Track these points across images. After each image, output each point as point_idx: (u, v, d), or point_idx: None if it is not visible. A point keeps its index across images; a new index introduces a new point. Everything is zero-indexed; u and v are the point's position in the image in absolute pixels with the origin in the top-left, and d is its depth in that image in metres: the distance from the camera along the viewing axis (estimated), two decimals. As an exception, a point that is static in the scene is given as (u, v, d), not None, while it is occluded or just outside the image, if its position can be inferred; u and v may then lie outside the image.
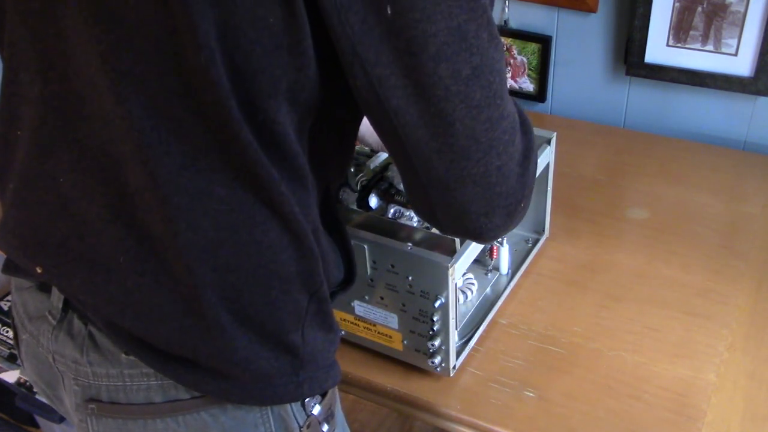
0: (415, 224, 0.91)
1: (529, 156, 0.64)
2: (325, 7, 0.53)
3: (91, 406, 0.70)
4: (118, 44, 0.56)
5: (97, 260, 0.65)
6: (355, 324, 0.96)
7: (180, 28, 0.54)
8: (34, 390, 1.62)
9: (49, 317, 0.73)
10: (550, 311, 1.03)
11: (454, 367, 0.93)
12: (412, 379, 0.95)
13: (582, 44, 1.44)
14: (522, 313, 1.03)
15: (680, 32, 1.32)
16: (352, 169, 1.01)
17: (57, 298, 0.72)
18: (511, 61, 1.51)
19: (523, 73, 1.52)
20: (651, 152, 1.37)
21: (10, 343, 1.71)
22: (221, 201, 0.60)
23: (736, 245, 1.13)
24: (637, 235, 1.16)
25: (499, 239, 1.00)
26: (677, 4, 1.30)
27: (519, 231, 1.14)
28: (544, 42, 1.46)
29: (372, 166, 1.02)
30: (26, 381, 1.66)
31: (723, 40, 1.30)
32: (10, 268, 0.75)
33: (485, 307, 1.02)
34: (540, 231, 1.14)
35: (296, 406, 0.71)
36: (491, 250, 1.06)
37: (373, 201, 0.96)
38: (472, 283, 1.03)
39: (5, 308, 1.78)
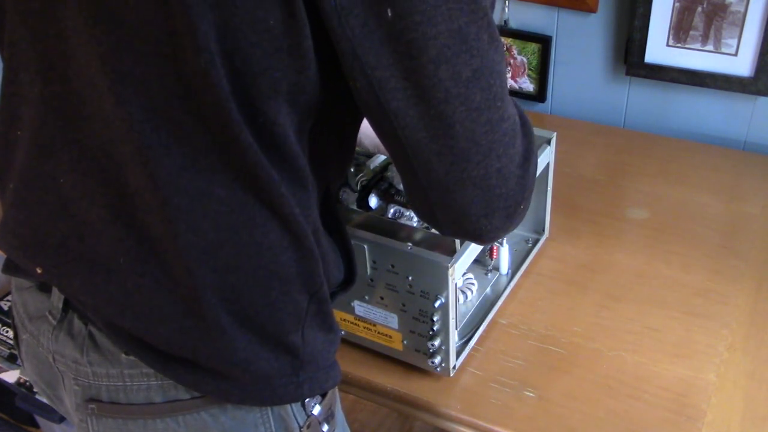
0: (415, 224, 0.91)
1: (529, 158, 0.64)
2: (325, 10, 0.53)
3: (91, 406, 0.70)
4: (118, 46, 0.56)
5: (97, 261, 0.65)
6: (355, 324, 0.96)
7: (180, 30, 0.54)
8: (34, 390, 1.62)
9: (50, 317, 0.73)
10: (550, 311, 1.03)
11: (454, 367, 0.93)
12: (412, 379, 0.95)
13: (582, 44, 1.44)
14: (522, 313, 1.03)
15: (680, 32, 1.32)
16: (352, 169, 1.01)
17: (57, 298, 0.72)
18: (511, 61, 1.51)
19: (523, 73, 1.52)
20: (651, 152, 1.37)
21: (10, 343, 1.71)
22: (221, 202, 0.60)
23: (736, 245, 1.13)
24: (637, 235, 1.16)
25: (499, 240, 1.00)
26: (677, 4, 1.30)
27: (519, 231, 1.14)
28: (544, 42, 1.46)
29: (372, 166, 1.02)
30: (26, 381, 1.66)
31: (723, 40, 1.30)
32: (11, 268, 0.75)
33: (485, 307, 1.02)
34: (540, 231, 1.15)
35: (296, 406, 0.71)
36: (491, 250, 1.06)
37: (373, 201, 0.96)
38: (472, 283, 1.03)
39: (5, 308, 1.78)
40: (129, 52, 0.56)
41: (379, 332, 0.95)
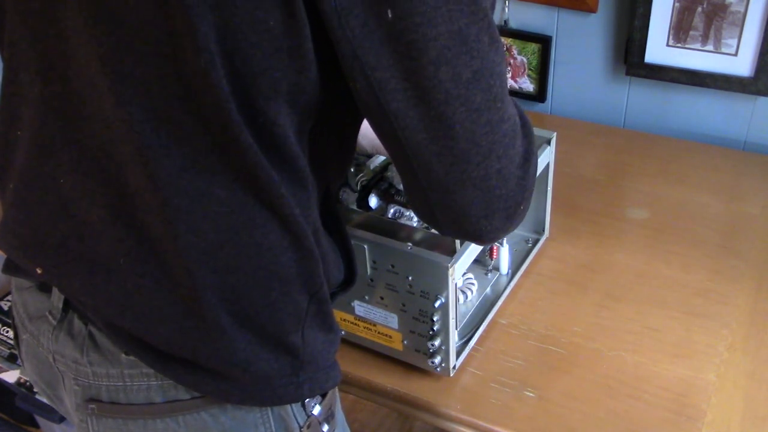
0: (415, 224, 0.91)
1: (529, 159, 0.64)
2: (325, 11, 0.53)
3: (91, 406, 0.70)
4: (118, 46, 0.56)
5: (97, 261, 0.65)
6: (355, 324, 0.96)
7: (180, 31, 0.54)
8: (34, 390, 1.62)
9: (50, 317, 0.73)
10: (550, 311, 1.03)
11: (454, 367, 0.93)
12: (412, 379, 0.95)
13: (582, 44, 1.44)
14: (522, 313, 1.03)
15: (680, 32, 1.32)
16: (352, 169, 1.01)
17: (57, 298, 0.72)
18: (511, 61, 1.51)
19: (523, 73, 1.52)
20: (651, 152, 1.37)
21: (10, 343, 1.71)
22: (221, 203, 0.60)
23: (736, 245, 1.13)
24: (637, 235, 1.16)
25: (499, 240, 1.00)
26: (677, 4, 1.30)
27: (519, 231, 1.14)
28: (544, 42, 1.46)
29: (372, 166, 1.02)
30: (26, 381, 1.66)
31: (723, 40, 1.30)
32: (11, 268, 0.75)
33: (485, 307, 1.02)
34: (540, 231, 1.15)
35: (296, 406, 0.71)
36: (491, 250, 1.06)
37: (373, 201, 0.96)
38: (472, 283, 1.03)
39: (5, 308, 1.78)
40: (129, 53, 0.56)
41: (379, 332, 0.95)
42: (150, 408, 0.68)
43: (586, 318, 1.02)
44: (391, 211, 0.94)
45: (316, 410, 0.72)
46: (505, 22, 1.50)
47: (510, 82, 1.54)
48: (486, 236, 0.65)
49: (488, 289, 1.05)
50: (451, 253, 0.85)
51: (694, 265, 1.10)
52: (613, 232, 1.17)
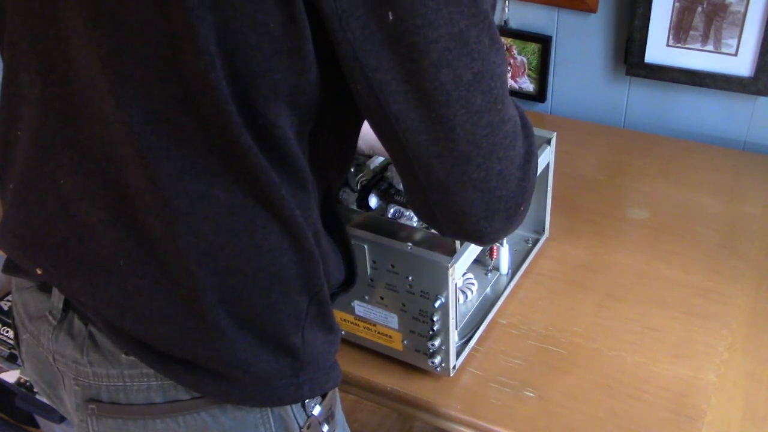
0: (415, 224, 0.91)
1: (529, 160, 0.64)
2: (325, 12, 0.53)
3: (92, 406, 0.70)
4: (118, 48, 0.56)
5: (97, 262, 0.65)
6: (355, 324, 0.96)
7: (180, 33, 0.54)
8: (34, 390, 1.62)
9: (50, 317, 0.73)
10: (550, 311, 1.03)
11: (454, 367, 0.93)
12: (412, 379, 0.95)
13: (582, 44, 1.44)
14: (522, 313, 1.03)
15: (680, 32, 1.32)
16: (352, 170, 1.01)
17: (57, 298, 0.72)
18: (511, 61, 1.51)
19: (523, 73, 1.52)
20: (651, 152, 1.37)
21: (10, 343, 1.71)
22: (221, 204, 0.60)
23: (736, 245, 1.13)
24: (637, 235, 1.16)
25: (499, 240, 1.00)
26: (677, 4, 1.30)
27: (519, 231, 1.14)
28: (544, 42, 1.46)
29: (372, 166, 1.02)
30: (26, 381, 1.66)
31: (723, 40, 1.30)
32: (11, 268, 0.75)
33: (485, 307, 1.02)
34: (540, 231, 1.15)
35: (296, 406, 0.71)
36: (491, 250, 1.06)
37: (373, 201, 0.96)
38: (472, 283, 1.03)
39: (5, 308, 1.78)
40: (129, 54, 0.56)
41: (379, 332, 0.95)
42: (150, 408, 0.68)
43: (586, 318, 1.02)
44: (391, 211, 0.94)
45: (316, 410, 0.72)
46: (505, 22, 1.50)
47: (510, 82, 1.54)
48: (486, 237, 0.65)
49: (488, 289, 1.05)
50: (451, 253, 0.85)
51: (694, 265, 1.10)
52: (613, 232, 1.17)
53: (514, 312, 1.04)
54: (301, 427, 0.71)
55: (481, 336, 0.99)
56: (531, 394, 0.92)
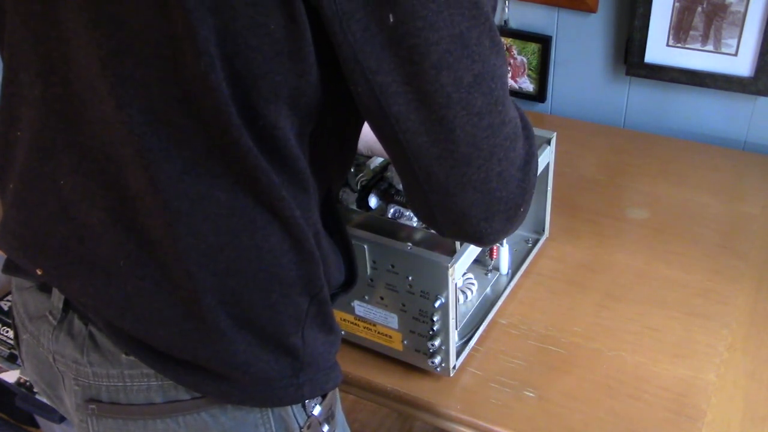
0: (415, 224, 0.91)
1: (530, 161, 0.64)
2: (326, 14, 0.53)
3: (92, 406, 0.70)
4: (118, 49, 0.56)
5: (97, 264, 0.65)
6: (355, 324, 0.96)
7: (180, 34, 0.54)
8: (34, 390, 1.62)
9: (50, 317, 0.73)
10: (550, 311, 1.03)
11: (454, 367, 0.93)
12: (412, 379, 0.95)
13: (582, 44, 1.44)
14: (522, 313, 1.03)
15: (680, 32, 1.32)
16: (352, 170, 1.01)
17: (57, 298, 0.72)
18: (511, 61, 1.51)
19: (523, 73, 1.52)
20: (651, 152, 1.37)
21: (10, 343, 1.71)
22: (222, 206, 0.60)
23: (736, 245, 1.13)
24: (637, 235, 1.16)
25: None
26: (677, 4, 1.30)
27: (519, 231, 1.14)
28: (544, 42, 1.46)
29: (372, 166, 1.02)
30: (26, 381, 1.66)
31: (723, 40, 1.30)
32: (11, 268, 0.75)
33: (485, 307, 1.02)
34: (540, 231, 1.15)
35: (297, 406, 0.71)
36: (491, 250, 1.06)
37: (373, 201, 0.96)
38: (472, 283, 1.03)
39: (5, 308, 1.78)
40: (129, 56, 0.56)
41: (379, 332, 0.95)
42: (150, 408, 0.68)
43: (586, 318, 1.02)
44: (391, 211, 0.94)
45: (317, 410, 0.72)
46: (505, 22, 1.50)
47: (510, 82, 1.54)
48: (486, 238, 0.65)
49: (488, 289, 1.05)
50: (451, 253, 0.85)
51: (694, 265, 1.10)
52: (613, 232, 1.17)
53: (514, 312, 1.04)
54: (301, 427, 0.71)
55: (481, 336, 0.99)
56: (531, 394, 0.92)
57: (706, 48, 1.32)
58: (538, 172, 1.01)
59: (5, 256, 0.74)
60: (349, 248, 0.77)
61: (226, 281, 0.62)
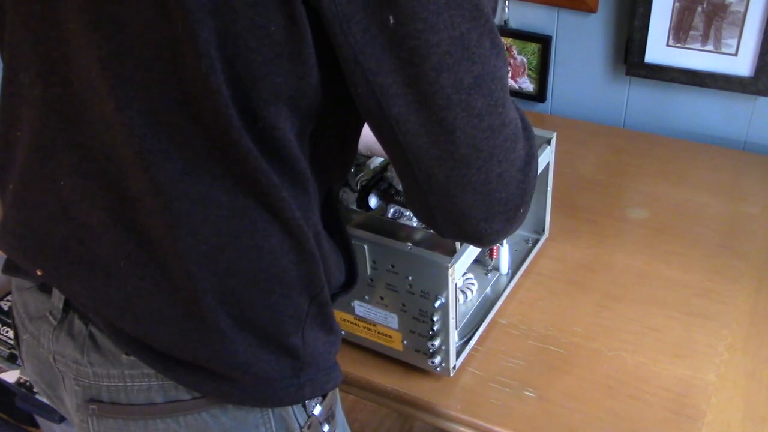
0: (415, 224, 0.91)
1: (530, 162, 0.64)
2: (326, 16, 0.53)
3: (92, 406, 0.70)
4: (118, 51, 0.57)
5: (98, 264, 0.65)
6: (355, 324, 0.96)
7: (180, 36, 0.54)
8: (34, 390, 1.62)
9: (50, 317, 0.73)
10: (550, 311, 1.03)
11: (454, 367, 0.93)
12: (412, 379, 0.95)
13: (582, 44, 1.44)
14: (522, 313, 1.04)
15: (680, 32, 1.32)
16: (352, 170, 1.01)
17: (58, 298, 0.72)
18: (511, 61, 1.51)
19: (523, 73, 1.52)
20: (651, 152, 1.37)
21: (10, 343, 1.71)
22: (222, 206, 0.60)
23: (736, 245, 1.13)
24: (637, 235, 1.17)
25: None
26: (677, 4, 1.30)
27: (519, 231, 1.14)
28: (544, 42, 1.46)
29: (372, 166, 1.02)
30: (26, 381, 1.66)
31: (723, 40, 1.30)
32: (11, 268, 0.75)
33: (485, 307, 1.02)
34: (540, 231, 1.15)
35: (297, 406, 0.71)
36: (491, 250, 1.06)
37: (373, 201, 0.96)
38: (472, 283, 1.03)
39: (5, 308, 1.78)
40: (129, 57, 0.56)
41: (379, 332, 0.95)
42: (151, 408, 0.68)
43: (586, 318, 1.02)
44: (391, 211, 0.94)
45: (317, 410, 0.72)
46: (505, 22, 1.50)
47: (510, 82, 1.54)
48: (486, 239, 0.65)
49: (488, 289, 1.05)
50: (451, 253, 0.85)
51: (694, 265, 1.10)
52: (613, 232, 1.17)
53: (514, 312, 1.04)
54: (301, 427, 0.71)
55: (481, 336, 0.99)
56: (531, 394, 0.92)
57: (706, 48, 1.32)
58: (538, 172, 1.01)
59: (5, 256, 0.74)
60: (350, 248, 0.77)
61: (226, 281, 0.62)
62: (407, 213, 0.94)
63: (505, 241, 1.04)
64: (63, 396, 0.76)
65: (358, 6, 0.53)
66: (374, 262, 0.88)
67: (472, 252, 0.89)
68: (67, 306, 0.72)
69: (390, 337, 0.94)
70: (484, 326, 0.99)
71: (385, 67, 0.55)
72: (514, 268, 1.08)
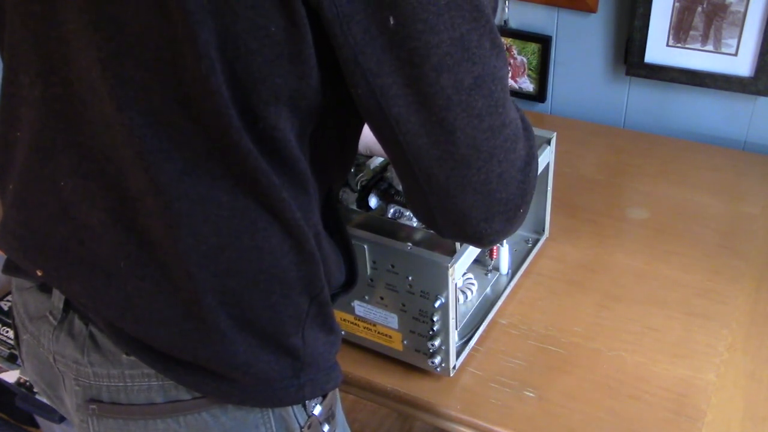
0: (415, 224, 0.91)
1: (530, 162, 0.64)
2: (326, 17, 0.53)
3: (92, 406, 0.70)
4: (118, 51, 0.56)
5: (98, 264, 0.65)
6: (355, 324, 0.96)
7: (180, 37, 0.54)
8: (34, 390, 1.62)
9: (50, 317, 0.73)
10: (550, 311, 1.03)
11: (454, 367, 0.93)
12: (412, 379, 0.95)
13: (582, 44, 1.44)
14: (522, 313, 1.04)
15: (680, 32, 1.32)
16: (352, 170, 1.01)
17: (58, 298, 0.72)
18: (511, 61, 1.51)
19: (523, 73, 1.52)
20: (651, 152, 1.37)
21: (10, 343, 1.71)
22: (222, 207, 0.60)
23: (736, 245, 1.13)
24: (637, 235, 1.17)
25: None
26: (677, 4, 1.30)
27: (519, 231, 1.14)
28: (544, 42, 1.46)
29: (372, 166, 1.02)
30: (26, 381, 1.66)
31: (723, 40, 1.30)
32: (11, 268, 0.75)
33: (485, 307, 1.02)
34: (540, 231, 1.15)
35: (297, 406, 0.71)
36: (491, 250, 1.06)
37: (373, 201, 0.96)
38: (472, 283, 1.03)
39: (5, 308, 1.78)
40: (129, 58, 0.56)
41: (379, 332, 0.95)
42: (151, 408, 0.68)
43: (586, 318, 1.02)
44: (391, 211, 0.94)
45: (317, 410, 0.72)
46: (505, 22, 1.50)
47: (510, 82, 1.54)
48: (486, 239, 0.65)
49: (488, 289, 1.05)
50: (451, 253, 0.85)
51: (694, 265, 1.10)
52: (613, 232, 1.17)
53: (514, 312, 1.04)
54: (301, 427, 0.71)
55: (481, 336, 0.99)
56: (531, 394, 0.92)
57: (706, 48, 1.32)
58: (538, 172, 1.01)
59: (5, 256, 0.74)
60: (350, 249, 0.77)
61: (226, 282, 0.62)
62: (407, 213, 0.94)
63: (505, 241, 1.04)
64: (63, 396, 0.76)
65: (359, 7, 0.53)
66: (374, 262, 0.88)
67: (472, 252, 0.89)
68: (67, 306, 0.72)
69: (390, 337, 0.94)
70: (484, 326, 0.99)
71: (386, 67, 0.55)
72: (514, 268, 1.08)
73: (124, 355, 0.68)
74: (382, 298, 0.91)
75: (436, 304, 0.87)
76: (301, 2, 0.53)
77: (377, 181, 0.98)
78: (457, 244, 0.86)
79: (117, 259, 0.64)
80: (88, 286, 0.66)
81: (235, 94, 0.55)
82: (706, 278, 1.07)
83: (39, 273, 0.69)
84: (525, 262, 1.09)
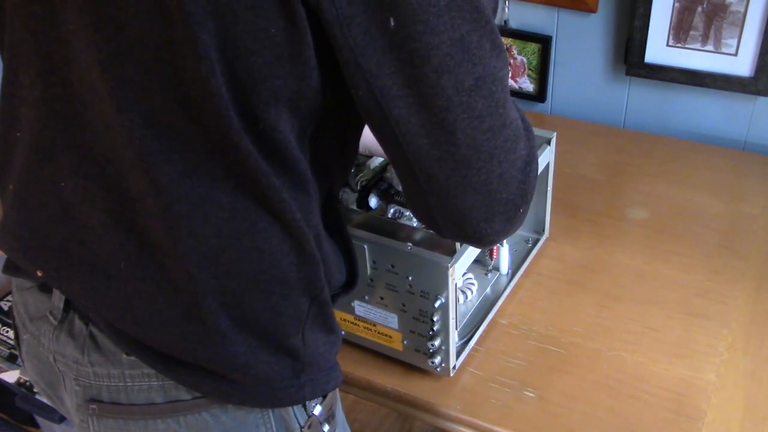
0: (415, 224, 0.91)
1: (530, 162, 0.64)
2: (326, 18, 0.53)
3: (92, 406, 0.70)
4: (118, 52, 0.56)
5: (98, 265, 0.65)
6: (355, 324, 0.96)
7: (180, 39, 0.54)
8: (35, 390, 1.62)
9: (50, 317, 0.73)
10: (550, 311, 1.03)
11: (454, 367, 0.93)
12: (412, 379, 0.95)
13: (582, 44, 1.44)
14: (522, 313, 1.04)
15: (680, 32, 1.32)
16: (352, 170, 1.00)
17: (58, 298, 0.72)
18: (511, 61, 1.51)
19: (523, 73, 1.52)
20: (651, 152, 1.37)
21: (10, 343, 1.71)
22: (222, 208, 0.60)
23: (736, 245, 1.13)
24: (637, 235, 1.17)
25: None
26: (677, 4, 1.30)
27: (519, 231, 1.14)
28: (544, 42, 1.46)
29: (372, 166, 1.02)
30: (26, 381, 1.66)
31: (723, 40, 1.30)
32: (11, 268, 0.75)
33: (485, 307, 1.02)
34: (540, 231, 1.15)
35: (297, 406, 0.71)
36: (491, 250, 1.06)
37: (373, 201, 0.96)
38: (472, 283, 1.03)
39: (5, 308, 1.78)
40: (129, 59, 0.56)
41: (379, 332, 0.95)
42: (151, 408, 0.68)
43: (586, 318, 1.02)
44: (391, 211, 0.94)
45: (317, 410, 0.72)
46: (505, 22, 1.50)
47: (510, 83, 1.54)
48: (486, 239, 0.65)
49: (488, 289, 1.05)
50: (451, 253, 0.85)
51: (694, 265, 1.10)
52: (613, 232, 1.17)
53: (514, 312, 1.04)
54: (302, 427, 0.71)
55: (481, 336, 0.99)
56: (531, 394, 0.92)
57: (706, 48, 1.32)
58: (539, 172, 1.01)
59: (5, 256, 0.74)
60: (350, 249, 0.77)
61: (226, 283, 0.62)
62: (407, 213, 0.94)
63: (505, 241, 1.04)
64: (63, 396, 0.76)
65: (359, 8, 0.53)
66: (374, 262, 0.88)
67: (472, 252, 0.89)
68: (68, 306, 0.72)
69: (390, 337, 0.94)
70: (484, 326, 1.00)
71: (386, 69, 0.55)
72: (514, 268, 1.08)
73: (125, 355, 0.68)
74: (382, 298, 0.91)
75: (436, 304, 0.87)
76: (301, 3, 0.53)
77: (377, 181, 0.98)
78: (457, 244, 0.86)
79: (117, 260, 0.64)
80: (88, 286, 0.66)
81: (235, 95, 0.55)
82: (706, 278, 1.07)
83: (39, 273, 0.69)
84: (525, 262, 1.09)
